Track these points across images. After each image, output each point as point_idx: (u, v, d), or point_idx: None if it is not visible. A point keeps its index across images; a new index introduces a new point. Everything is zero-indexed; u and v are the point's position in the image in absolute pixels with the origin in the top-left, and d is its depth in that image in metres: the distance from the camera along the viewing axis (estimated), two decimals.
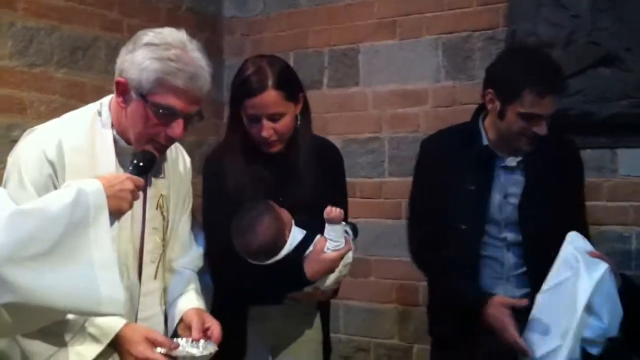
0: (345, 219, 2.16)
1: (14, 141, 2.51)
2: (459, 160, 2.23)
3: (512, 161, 2.20)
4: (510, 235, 2.20)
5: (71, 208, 1.42)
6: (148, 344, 1.63)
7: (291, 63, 3.49)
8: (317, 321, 2.17)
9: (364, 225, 3.24)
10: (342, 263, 1.96)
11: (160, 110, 1.66)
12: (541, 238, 2.16)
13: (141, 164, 1.66)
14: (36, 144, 1.70)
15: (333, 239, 1.92)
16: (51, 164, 1.66)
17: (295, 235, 1.93)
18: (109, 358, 1.67)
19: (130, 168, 1.65)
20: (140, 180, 1.62)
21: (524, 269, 2.21)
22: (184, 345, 1.70)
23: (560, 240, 2.11)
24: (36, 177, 1.65)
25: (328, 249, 1.91)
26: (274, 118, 1.94)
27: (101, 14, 2.95)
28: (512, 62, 2.17)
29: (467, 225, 2.22)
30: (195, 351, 1.69)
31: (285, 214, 1.94)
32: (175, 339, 1.71)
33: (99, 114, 1.76)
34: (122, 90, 1.69)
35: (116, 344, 1.62)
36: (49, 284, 1.34)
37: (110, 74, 2.97)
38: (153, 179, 1.82)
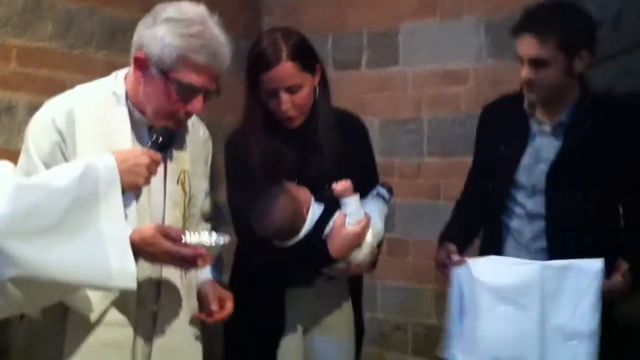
0: (378, 182, 2.16)
1: None
2: (500, 124, 2.23)
3: (547, 124, 2.13)
4: (535, 204, 2.12)
5: (79, 182, 1.41)
6: (165, 238, 1.60)
7: (329, 44, 3.52)
8: (349, 303, 2.15)
9: (403, 205, 3.23)
10: (370, 234, 1.92)
11: (182, 88, 1.66)
12: (567, 212, 2.06)
13: (160, 139, 1.67)
14: (46, 111, 1.72)
15: (350, 213, 1.88)
16: (59, 132, 1.66)
17: (315, 212, 1.90)
18: None
19: (149, 144, 1.66)
20: (158, 156, 1.63)
21: (545, 244, 2.11)
22: (194, 235, 1.69)
23: (589, 222, 2.02)
24: (42, 145, 1.66)
25: (349, 223, 1.88)
26: (291, 90, 1.91)
27: None
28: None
29: (493, 185, 2.21)
30: (207, 240, 1.69)
31: (302, 193, 1.91)
32: (188, 232, 1.70)
33: (114, 93, 1.76)
34: (141, 65, 1.68)
35: (135, 251, 1.57)
36: (55, 257, 1.33)
37: None
38: (175, 152, 1.82)
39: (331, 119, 2.01)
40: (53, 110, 1.71)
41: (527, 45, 2.01)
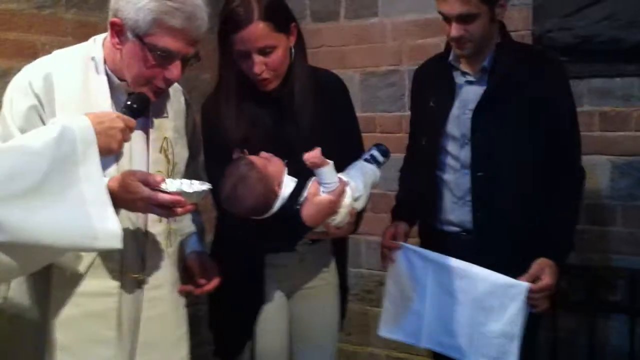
0: (362, 149, 2.12)
1: None
2: (428, 81, 2.26)
3: (471, 73, 2.14)
4: (466, 155, 2.13)
5: (55, 143, 1.39)
6: (144, 185, 1.58)
7: None
8: (333, 264, 2.14)
9: None
10: (348, 196, 1.86)
11: (158, 52, 1.63)
12: (490, 159, 2.09)
13: (135, 105, 1.64)
14: (23, 75, 1.69)
15: (324, 182, 1.82)
16: (37, 96, 1.64)
17: (288, 185, 1.84)
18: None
19: (123, 109, 1.63)
20: (132, 121, 1.60)
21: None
22: (174, 183, 1.66)
23: (513, 172, 2.06)
24: (19, 109, 1.64)
25: (322, 191, 1.83)
26: (264, 52, 1.85)
27: None
28: None
29: (427, 141, 2.23)
30: (186, 187, 1.65)
31: (273, 167, 1.83)
32: (168, 180, 1.66)
33: (92, 58, 1.72)
34: (118, 30, 1.66)
35: (113, 200, 1.53)
36: (40, 221, 1.32)
37: None
38: (155, 120, 1.79)
39: (308, 81, 1.95)
40: (30, 75, 1.68)
41: (452, 4, 2.01)
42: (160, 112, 1.81)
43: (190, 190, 1.64)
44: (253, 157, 1.83)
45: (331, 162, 1.81)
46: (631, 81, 2.70)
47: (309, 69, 1.99)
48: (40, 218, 1.33)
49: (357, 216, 1.98)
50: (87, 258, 1.64)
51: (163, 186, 1.60)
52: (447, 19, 2.06)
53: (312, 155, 1.79)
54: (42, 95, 1.64)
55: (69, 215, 1.38)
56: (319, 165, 1.80)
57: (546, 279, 2.01)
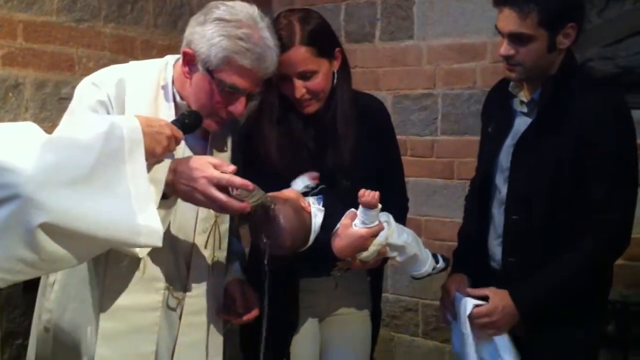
0: (402, 175, 2.12)
1: (63, 98, 2.53)
2: (492, 104, 2.15)
3: (522, 101, 1.99)
4: (505, 191, 1.99)
5: (104, 138, 1.41)
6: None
7: (342, 15, 3.44)
8: (367, 291, 2.11)
9: (415, 184, 3.19)
10: (381, 238, 1.82)
11: (225, 88, 1.67)
12: (528, 200, 1.92)
13: (187, 120, 1.65)
14: (97, 74, 1.73)
15: (364, 220, 1.79)
16: (107, 94, 1.67)
17: (317, 215, 1.79)
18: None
19: (175, 120, 1.63)
20: (180, 132, 1.60)
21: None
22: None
23: (554, 217, 1.88)
24: (88, 102, 1.66)
25: (355, 225, 1.80)
26: (304, 76, 1.85)
27: None
28: None
29: (479, 169, 2.15)
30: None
31: (287, 192, 1.78)
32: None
33: (164, 87, 1.75)
34: (189, 61, 1.70)
35: (175, 177, 1.56)
36: (85, 210, 1.34)
37: (159, 28, 2.95)
38: (215, 152, 1.81)
39: (351, 107, 1.93)
40: (103, 75, 1.72)
41: (507, 20, 1.86)
42: (221, 147, 1.84)
43: (256, 190, 1.60)
44: (270, 195, 1.76)
45: (379, 207, 1.79)
46: None
47: (352, 94, 1.98)
48: (85, 208, 1.34)
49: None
50: (135, 273, 1.67)
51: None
52: (501, 35, 1.92)
53: (370, 196, 1.76)
54: (113, 97, 1.67)
55: (113, 209, 1.40)
56: (372, 207, 1.78)
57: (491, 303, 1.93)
